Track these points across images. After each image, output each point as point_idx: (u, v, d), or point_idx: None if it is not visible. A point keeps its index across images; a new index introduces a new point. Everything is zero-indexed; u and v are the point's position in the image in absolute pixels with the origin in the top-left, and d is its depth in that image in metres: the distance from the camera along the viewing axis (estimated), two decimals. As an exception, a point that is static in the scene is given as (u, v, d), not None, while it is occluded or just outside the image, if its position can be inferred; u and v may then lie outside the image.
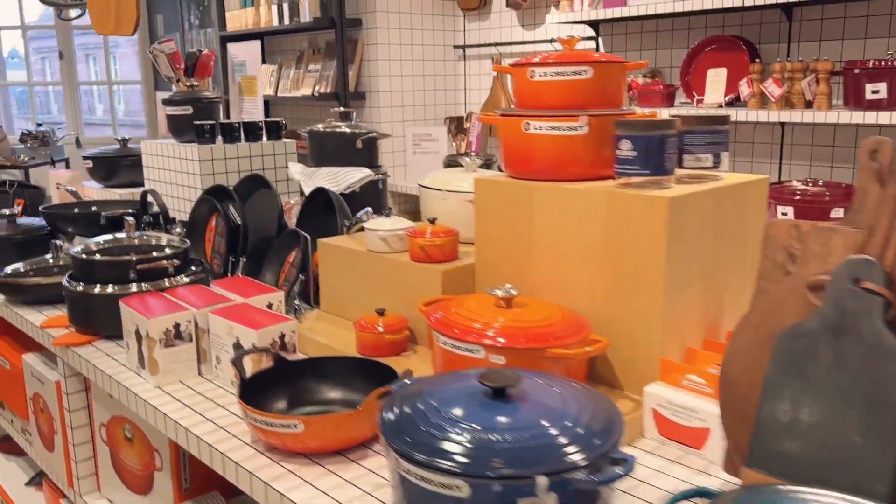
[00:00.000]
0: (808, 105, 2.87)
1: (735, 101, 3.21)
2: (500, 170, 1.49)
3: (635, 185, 1.20)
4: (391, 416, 0.91)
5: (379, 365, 1.24)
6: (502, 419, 0.87)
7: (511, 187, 1.34)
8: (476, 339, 1.12)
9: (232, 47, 2.59)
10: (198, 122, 2.22)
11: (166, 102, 2.34)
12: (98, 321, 1.60)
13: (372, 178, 2.11)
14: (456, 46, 4.61)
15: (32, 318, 1.76)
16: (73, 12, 3.65)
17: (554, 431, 0.85)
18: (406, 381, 1.02)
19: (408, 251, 1.53)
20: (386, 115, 4.36)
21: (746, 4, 2.92)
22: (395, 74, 4.36)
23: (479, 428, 0.85)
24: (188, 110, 2.30)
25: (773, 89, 2.84)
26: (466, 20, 4.55)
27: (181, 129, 2.33)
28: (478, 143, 4.33)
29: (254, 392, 1.19)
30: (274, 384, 1.23)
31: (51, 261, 2.02)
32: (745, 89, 3.00)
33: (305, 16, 4.21)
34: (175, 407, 1.28)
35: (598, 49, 3.88)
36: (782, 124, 3.24)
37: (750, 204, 1.32)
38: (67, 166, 5.94)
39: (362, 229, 1.68)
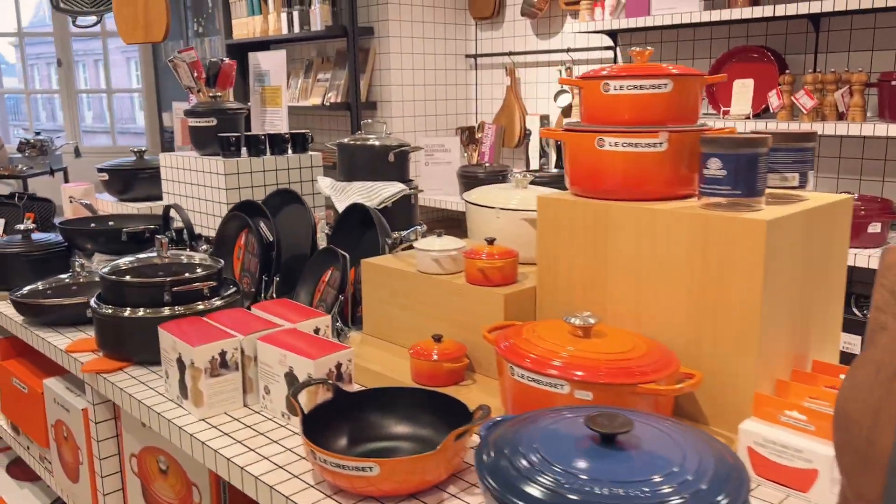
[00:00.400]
0: (841, 117, 2.81)
1: (763, 113, 3.15)
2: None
3: (724, 206, 1.12)
4: (489, 461, 0.83)
5: (444, 397, 1.16)
6: (617, 471, 0.78)
7: (581, 206, 1.26)
8: (561, 374, 1.04)
9: (260, 56, 2.51)
10: (222, 135, 2.13)
11: (188, 114, 2.25)
12: (130, 346, 1.51)
13: (406, 193, 2.02)
14: (468, 56, 4.54)
15: (55, 341, 1.67)
16: (89, 19, 3.55)
17: (671, 488, 0.76)
18: (496, 418, 0.94)
19: (461, 273, 1.45)
20: (398, 125, 4.28)
21: (775, 15, 2.86)
22: (408, 84, 4.28)
23: (587, 479, 0.77)
24: (211, 122, 2.21)
25: (804, 101, 2.78)
26: (479, 29, 4.48)
27: (204, 141, 2.24)
28: (491, 153, 4.25)
29: (313, 427, 1.10)
30: (333, 418, 1.15)
31: (68, 280, 1.93)
32: (774, 101, 2.94)
33: (317, 24, 4.12)
34: (225, 442, 1.19)
35: (615, 59, 3.81)
36: (809, 136, 3.18)
37: (837, 224, 1.24)
38: (66, 176, 5.82)
39: (410, 248, 1.60)
